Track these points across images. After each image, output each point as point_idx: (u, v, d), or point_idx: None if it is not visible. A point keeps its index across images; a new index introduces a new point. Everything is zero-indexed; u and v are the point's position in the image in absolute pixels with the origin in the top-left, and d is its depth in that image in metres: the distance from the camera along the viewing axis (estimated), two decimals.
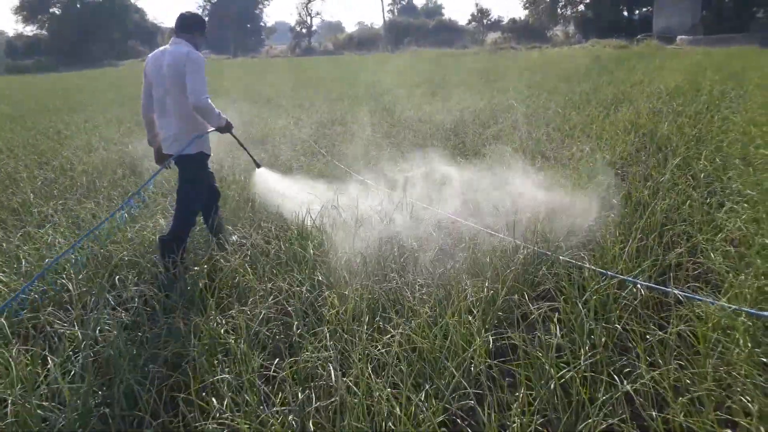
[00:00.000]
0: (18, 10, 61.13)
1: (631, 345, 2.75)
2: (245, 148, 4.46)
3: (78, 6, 61.45)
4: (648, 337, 2.73)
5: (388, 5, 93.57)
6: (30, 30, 62.76)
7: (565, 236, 3.95)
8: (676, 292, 2.96)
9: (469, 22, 71.73)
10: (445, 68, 23.32)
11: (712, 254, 3.51)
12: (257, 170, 4.66)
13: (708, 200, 4.55)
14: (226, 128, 3.95)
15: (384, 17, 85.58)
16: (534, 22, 60.26)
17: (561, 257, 3.57)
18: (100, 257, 3.91)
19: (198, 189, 4.00)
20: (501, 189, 4.77)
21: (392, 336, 2.69)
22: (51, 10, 61.75)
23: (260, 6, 78.76)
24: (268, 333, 2.96)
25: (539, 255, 3.66)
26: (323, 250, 3.85)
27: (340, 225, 4.19)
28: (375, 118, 9.86)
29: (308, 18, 73.87)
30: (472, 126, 8.59)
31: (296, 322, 2.95)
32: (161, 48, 3.88)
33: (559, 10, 56.65)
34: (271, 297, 3.21)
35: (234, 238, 4.36)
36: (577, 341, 2.69)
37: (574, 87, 12.70)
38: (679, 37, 35.28)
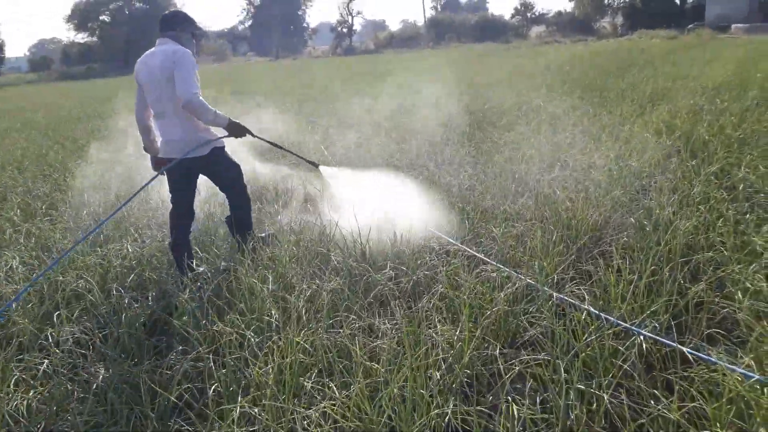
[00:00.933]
0: (69, 19, 63.50)
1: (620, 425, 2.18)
2: (288, 150, 4.24)
3: (126, 13, 63.27)
4: (645, 409, 2.17)
5: (432, 1, 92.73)
6: (81, 38, 65.07)
7: (565, 266, 3.39)
8: (683, 349, 2.38)
9: (513, 16, 70.13)
10: (482, 64, 22.59)
11: (739, 293, 2.88)
12: (320, 168, 4.40)
13: (745, 218, 3.88)
14: (235, 129, 3.65)
15: (425, 14, 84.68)
16: (580, 15, 58.29)
17: (555, 294, 3.03)
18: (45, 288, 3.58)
19: (232, 168, 3.92)
20: (503, 203, 4.21)
21: (319, 408, 2.21)
22: (101, 17, 63.73)
23: (303, 7, 79.27)
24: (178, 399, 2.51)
25: (530, 288, 3.12)
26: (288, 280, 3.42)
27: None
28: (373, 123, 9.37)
29: (349, 17, 73.79)
30: (493, 130, 8.00)
31: (214, 386, 2.49)
32: (149, 51, 3.67)
33: (606, 0, 54.60)
34: (204, 345, 2.78)
35: (201, 269, 3.92)
36: (553, 419, 2.15)
37: (612, 83, 11.86)
38: (734, 25, 33.30)
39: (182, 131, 3.63)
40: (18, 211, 5.45)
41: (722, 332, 2.72)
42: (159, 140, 3.84)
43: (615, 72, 14.30)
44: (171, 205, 3.92)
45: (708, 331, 2.76)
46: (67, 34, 64.98)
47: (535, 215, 4.21)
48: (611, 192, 4.45)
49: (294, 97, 15.24)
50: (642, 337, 2.56)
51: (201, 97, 3.42)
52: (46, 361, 2.80)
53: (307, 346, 2.67)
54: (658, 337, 2.59)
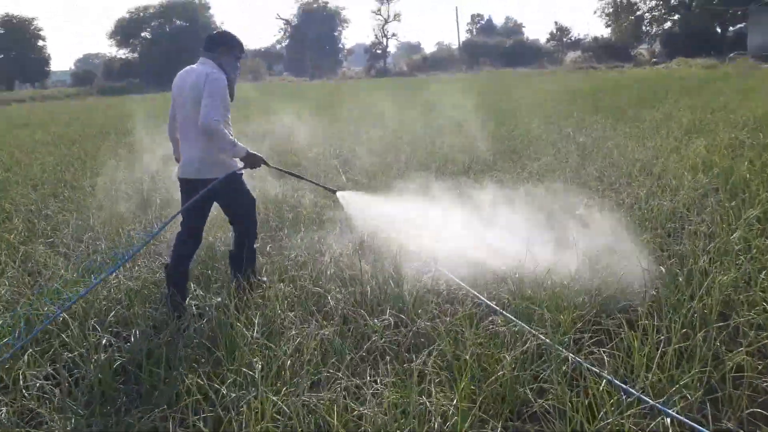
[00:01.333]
0: (112, 35, 65.47)
1: None
2: (305, 178, 4.11)
3: (167, 29, 64.88)
4: None
5: (467, 24, 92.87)
6: (123, 53, 66.93)
7: (584, 322, 3.03)
8: None
9: (548, 40, 69.67)
10: (513, 89, 22.22)
11: None
12: (338, 194, 4.26)
13: None
14: (251, 160, 3.60)
15: (459, 37, 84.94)
16: (617, 41, 57.57)
17: (571, 356, 2.68)
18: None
19: (247, 200, 3.81)
20: (515, 246, 3.86)
21: None
22: (143, 34, 65.55)
23: (339, 28, 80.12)
24: None
25: (542, 347, 2.78)
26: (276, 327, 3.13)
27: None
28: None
29: (384, 39, 74.39)
30: (515, 160, 7.66)
31: None
32: (188, 67, 3.70)
33: (644, 27, 53.80)
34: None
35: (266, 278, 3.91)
36: None
37: (647, 113, 11.39)
38: None
39: (201, 152, 3.55)
40: (20, 230, 5.31)
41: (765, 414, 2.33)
42: (181, 159, 3.76)
43: (650, 101, 13.82)
44: (179, 228, 3.78)
45: (750, 410, 2.37)
46: (109, 50, 66.59)
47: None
48: (640, 236, 4.07)
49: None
50: (670, 419, 2.19)
51: (222, 125, 3.37)
52: (4, 410, 2.56)
53: (285, 408, 2.37)
54: (689, 422, 2.21)
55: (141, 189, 6.74)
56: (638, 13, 54.21)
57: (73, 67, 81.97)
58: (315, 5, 76.66)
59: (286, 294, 3.49)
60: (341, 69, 75.86)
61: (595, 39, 62.86)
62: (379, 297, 3.47)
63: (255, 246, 3.93)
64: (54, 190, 7.22)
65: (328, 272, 3.82)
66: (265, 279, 3.96)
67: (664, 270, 3.55)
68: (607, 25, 58.56)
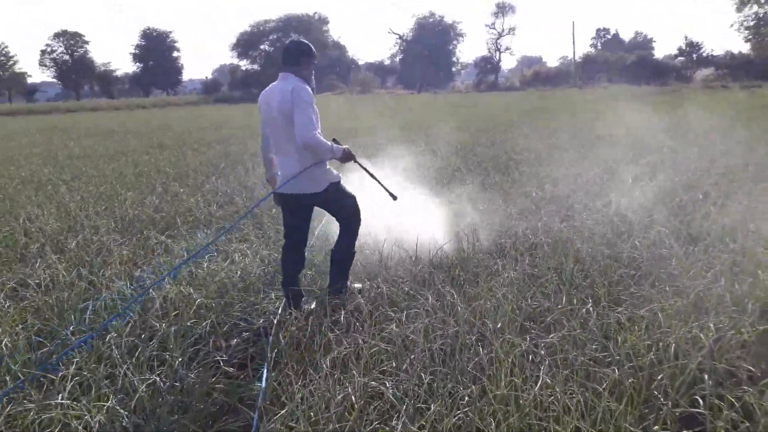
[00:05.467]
0: (234, 47, 70.06)
1: None
2: (376, 179, 4.08)
3: (286, 42, 68.20)
4: None
5: (591, 39, 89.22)
6: (244, 65, 71.39)
7: None
8: None
9: (676, 56, 64.94)
10: (618, 110, 20.63)
11: None
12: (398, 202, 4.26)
13: None
14: (346, 157, 3.77)
15: (574, 51, 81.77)
16: (758, 57, 52.55)
17: None
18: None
19: (351, 205, 3.93)
20: None
21: None
22: (261, 46, 69.51)
23: (454, 42, 79.92)
24: None
25: None
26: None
27: None
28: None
29: (497, 53, 73.27)
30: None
31: None
32: (271, 85, 3.74)
33: None
34: None
35: (312, 306, 3.89)
36: None
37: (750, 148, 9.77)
38: None
39: (301, 167, 3.62)
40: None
41: None
42: (279, 174, 3.86)
43: None
44: (284, 241, 4.00)
45: None
46: (231, 61, 71.12)
47: None
48: None
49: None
50: None
51: (319, 135, 3.46)
52: None
53: None
54: None
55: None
56: None
57: (210, 76, 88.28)
58: (431, 19, 77.19)
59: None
60: (452, 83, 75.65)
61: (731, 55, 57.86)
62: None
63: (353, 250, 4.03)
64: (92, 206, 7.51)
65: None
66: (357, 286, 4.08)
67: None
68: (747, 40, 53.59)
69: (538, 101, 31.99)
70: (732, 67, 54.08)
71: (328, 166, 3.79)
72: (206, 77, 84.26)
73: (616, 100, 25.82)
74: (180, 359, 3.08)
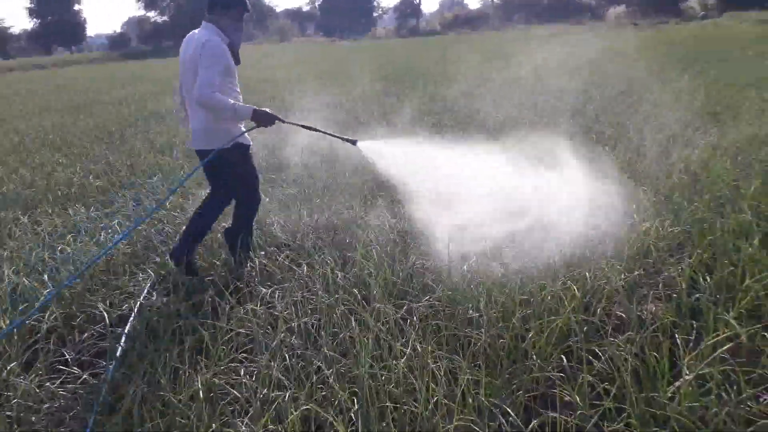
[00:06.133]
0: None
1: None
2: (323, 131, 3.80)
3: None
4: None
5: None
6: (152, 16, 66.72)
7: None
8: None
9: None
10: (527, 51, 20.75)
11: None
12: (359, 145, 3.95)
13: None
14: (264, 119, 3.44)
15: None
16: None
17: None
18: None
19: (250, 183, 3.71)
20: None
21: None
22: None
23: None
24: None
25: None
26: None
27: None
28: None
29: None
30: None
31: None
32: (192, 32, 3.55)
33: None
34: None
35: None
36: None
37: (661, 87, 9.97)
38: None
39: (205, 121, 3.47)
40: None
41: None
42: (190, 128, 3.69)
43: (672, 67, 12.40)
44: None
45: None
46: (139, 13, 65.81)
47: None
48: None
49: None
50: None
51: (216, 94, 3.25)
52: None
53: None
54: None
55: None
56: None
57: (119, 30, 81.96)
58: None
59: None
60: (373, 28, 74.02)
61: None
62: None
63: (253, 223, 3.86)
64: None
65: None
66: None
67: None
68: None
69: (443, 48, 31.74)
70: (641, 5, 55.43)
71: (241, 126, 3.58)
72: (114, 31, 78.33)
73: (518, 42, 25.95)
74: (14, 363, 2.74)
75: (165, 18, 65.04)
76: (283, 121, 3.61)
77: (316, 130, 3.80)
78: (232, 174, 3.64)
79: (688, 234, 3.64)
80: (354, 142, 3.91)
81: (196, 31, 3.50)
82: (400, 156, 4.11)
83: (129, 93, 16.87)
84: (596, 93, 9.75)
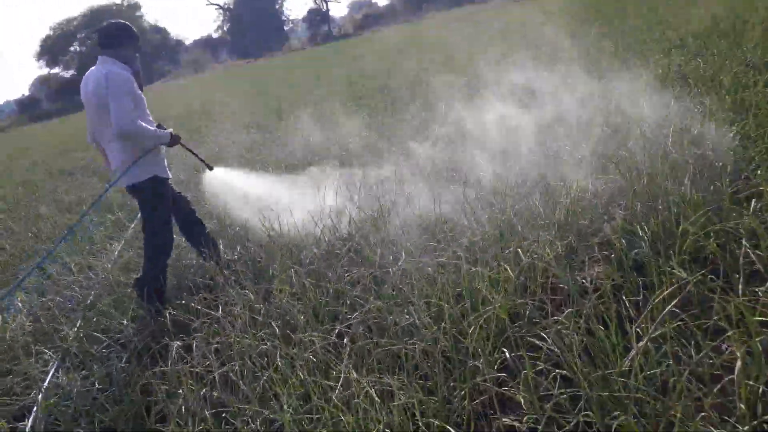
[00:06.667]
0: (39, 55, 62.18)
1: None
2: (193, 152, 4.11)
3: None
4: None
5: None
6: (58, 72, 63.92)
7: None
8: None
9: None
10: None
11: None
12: (210, 173, 4.21)
13: None
14: (174, 141, 3.56)
15: None
16: None
17: None
18: None
19: (161, 219, 3.55)
20: None
21: None
22: (71, 48, 62.50)
23: (278, 2, 76.77)
24: None
25: None
26: None
27: None
28: None
29: (323, 3, 71.75)
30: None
31: None
32: (90, 70, 3.46)
33: None
34: None
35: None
36: None
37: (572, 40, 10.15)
38: None
39: (125, 154, 3.40)
40: None
41: None
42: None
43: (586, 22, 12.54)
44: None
45: None
46: (43, 72, 62.66)
47: None
48: None
49: None
50: None
51: (137, 122, 3.22)
52: None
53: None
54: None
55: None
56: None
57: (28, 93, 78.22)
58: None
59: None
60: (287, 43, 73.27)
61: None
62: None
63: (164, 266, 3.63)
64: None
65: None
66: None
67: None
68: None
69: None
70: None
71: (159, 156, 3.55)
72: (23, 95, 74.66)
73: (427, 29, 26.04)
74: None
75: (72, 72, 62.44)
76: (182, 145, 3.73)
77: (191, 151, 4.10)
78: (149, 207, 3.55)
79: (621, 186, 3.47)
80: (211, 168, 4.15)
81: (93, 68, 3.42)
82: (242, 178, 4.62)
83: (37, 158, 15.96)
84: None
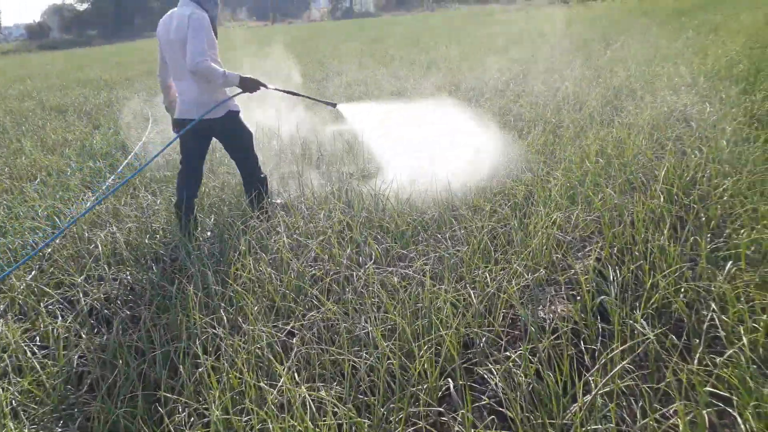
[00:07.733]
0: None
1: None
2: (305, 96, 4.22)
3: None
4: None
5: None
6: (74, 3, 62.67)
7: None
8: None
9: None
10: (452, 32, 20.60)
11: None
12: (339, 107, 4.39)
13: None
14: (250, 85, 3.72)
15: None
16: None
17: None
18: None
19: (246, 136, 3.95)
20: None
21: None
22: None
23: None
24: None
25: None
26: None
27: None
28: None
29: None
30: None
31: None
32: (171, 11, 3.70)
33: None
34: None
35: (279, 201, 4.27)
36: None
37: (581, 60, 10.11)
38: None
39: (198, 92, 3.68)
40: None
41: None
42: (178, 101, 3.86)
43: (602, 41, 12.46)
44: (180, 166, 3.94)
45: None
46: (57, 0, 61.27)
47: None
48: None
49: None
50: None
51: (209, 62, 3.44)
52: None
53: None
54: None
55: None
56: None
57: (39, 20, 76.83)
58: None
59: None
60: (307, 11, 72.48)
61: None
62: None
63: (262, 176, 4.08)
64: None
65: None
66: (278, 201, 4.27)
67: None
68: None
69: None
70: None
71: (229, 94, 3.80)
72: (33, 21, 73.25)
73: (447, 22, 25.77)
74: None
75: (87, 5, 61.34)
76: (267, 87, 3.79)
77: (297, 94, 4.14)
78: (232, 138, 3.90)
79: (598, 225, 3.40)
80: (334, 105, 4.32)
81: (176, 9, 3.64)
82: (371, 114, 4.75)
83: (34, 86, 15.66)
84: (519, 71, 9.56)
